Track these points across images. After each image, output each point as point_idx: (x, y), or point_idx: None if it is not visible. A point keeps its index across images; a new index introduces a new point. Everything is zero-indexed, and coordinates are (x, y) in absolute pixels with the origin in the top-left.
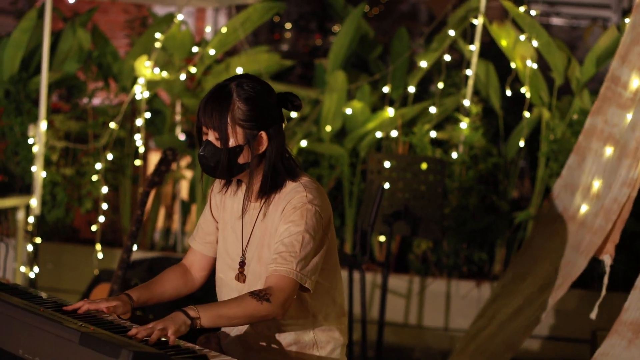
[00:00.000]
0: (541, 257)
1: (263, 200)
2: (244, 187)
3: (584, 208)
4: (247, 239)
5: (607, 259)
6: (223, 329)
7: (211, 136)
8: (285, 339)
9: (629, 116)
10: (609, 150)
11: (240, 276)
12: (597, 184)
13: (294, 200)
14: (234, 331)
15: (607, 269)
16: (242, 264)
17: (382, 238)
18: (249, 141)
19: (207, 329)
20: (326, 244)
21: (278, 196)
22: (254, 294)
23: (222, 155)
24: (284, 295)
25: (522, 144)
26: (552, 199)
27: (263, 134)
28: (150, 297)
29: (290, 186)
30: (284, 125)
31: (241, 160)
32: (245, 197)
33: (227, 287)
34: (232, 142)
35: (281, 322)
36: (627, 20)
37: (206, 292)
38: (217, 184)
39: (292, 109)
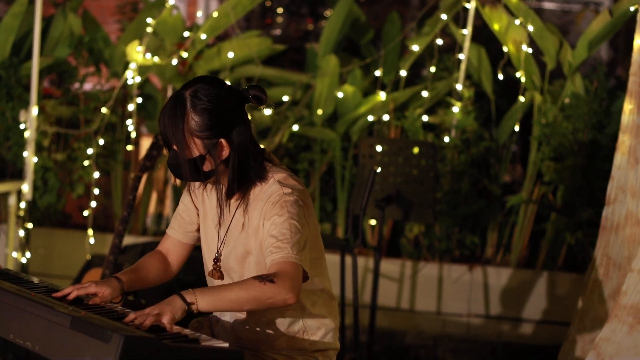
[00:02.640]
0: (616, 268)
1: (237, 200)
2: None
3: None
4: (223, 235)
5: None
6: (214, 315)
7: (174, 146)
8: (275, 327)
9: None
10: None
11: (215, 272)
12: None
13: (272, 197)
14: (226, 315)
15: None
16: (216, 260)
17: (374, 222)
18: (209, 150)
19: (203, 314)
20: (309, 231)
21: (254, 194)
22: (257, 277)
23: (186, 165)
24: (289, 278)
25: (517, 128)
26: (610, 203)
27: (223, 141)
28: (135, 282)
29: (265, 183)
30: (251, 124)
31: (206, 167)
32: (221, 194)
33: (212, 283)
34: (193, 153)
35: (269, 316)
36: (618, 4)
37: (198, 277)
38: None
39: (255, 103)
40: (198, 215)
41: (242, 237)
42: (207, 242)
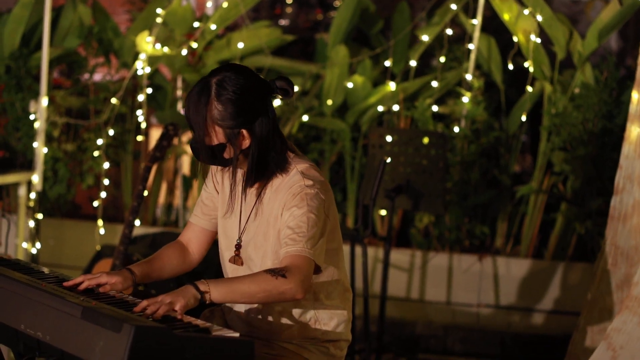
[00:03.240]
0: (624, 258)
1: (258, 189)
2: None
3: None
4: (244, 222)
5: None
6: (226, 304)
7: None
8: (287, 316)
9: None
10: None
11: (237, 259)
12: None
13: (293, 188)
14: (237, 307)
15: None
16: (238, 247)
17: (383, 212)
18: (230, 139)
19: (215, 304)
20: (329, 225)
21: (276, 183)
22: (269, 271)
23: (206, 151)
24: (300, 273)
25: (524, 118)
26: (618, 192)
27: (244, 131)
28: (151, 273)
29: (287, 174)
30: (276, 112)
31: (226, 155)
32: (235, 182)
33: (226, 269)
34: (213, 141)
35: (284, 305)
36: None
37: (207, 267)
38: None
39: (281, 95)
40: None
41: (262, 226)
42: (225, 228)
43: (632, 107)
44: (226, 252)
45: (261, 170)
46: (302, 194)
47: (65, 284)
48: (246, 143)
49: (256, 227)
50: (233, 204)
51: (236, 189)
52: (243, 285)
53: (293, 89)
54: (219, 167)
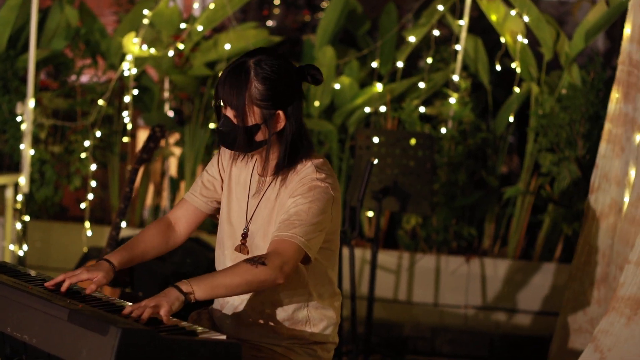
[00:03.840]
0: (599, 256)
1: (275, 177)
2: (254, 158)
3: (627, 199)
4: (252, 212)
5: None
6: (215, 304)
7: (229, 112)
8: (279, 314)
9: None
10: (638, 138)
11: (243, 248)
12: (632, 173)
13: (304, 179)
14: (227, 306)
15: None
16: (244, 236)
17: (371, 214)
18: (266, 120)
19: (203, 303)
20: (330, 223)
21: (291, 175)
22: (248, 260)
23: (239, 133)
24: (281, 259)
25: (511, 119)
26: (593, 191)
27: (280, 113)
28: (131, 259)
29: (303, 166)
30: (303, 102)
31: (259, 137)
32: (254, 169)
33: (225, 258)
34: (249, 121)
35: (276, 296)
36: None
37: (196, 267)
38: (228, 150)
39: (312, 82)
40: (222, 188)
41: (273, 215)
42: (230, 216)
43: (611, 106)
44: (229, 240)
45: (292, 155)
46: (312, 185)
47: (46, 284)
48: (281, 125)
49: (265, 217)
50: (261, 190)
51: (267, 168)
52: (225, 279)
53: (322, 77)
54: (228, 154)
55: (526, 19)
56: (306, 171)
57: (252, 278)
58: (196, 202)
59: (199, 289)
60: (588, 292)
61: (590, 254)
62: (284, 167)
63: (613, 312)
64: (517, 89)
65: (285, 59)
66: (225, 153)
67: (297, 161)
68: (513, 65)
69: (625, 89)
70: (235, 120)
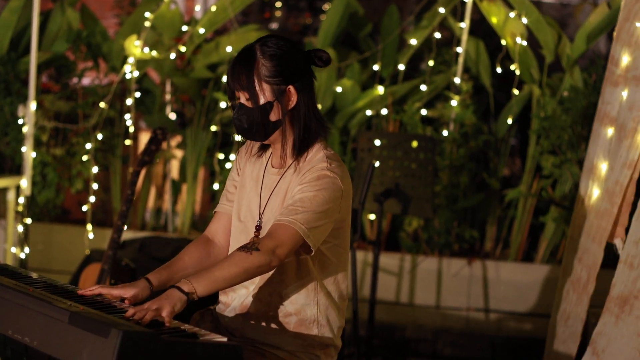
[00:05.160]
0: (569, 249)
1: (287, 169)
2: (268, 153)
3: (596, 192)
4: (264, 204)
5: (618, 243)
6: (220, 303)
7: (242, 98)
8: (286, 307)
9: (624, 94)
10: (610, 131)
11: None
12: (604, 167)
13: (314, 168)
14: (232, 304)
15: (619, 253)
16: (258, 228)
17: (372, 216)
18: (277, 97)
19: (205, 302)
20: (338, 215)
21: (302, 164)
22: (242, 248)
23: (253, 114)
24: (274, 242)
25: (509, 121)
26: (580, 186)
27: (291, 88)
28: (170, 277)
29: (312, 155)
30: (314, 82)
31: (273, 117)
32: (267, 163)
33: None
34: (261, 100)
35: (284, 290)
36: None
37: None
38: (243, 150)
39: (321, 64)
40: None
41: (283, 205)
42: (239, 212)
43: (601, 106)
44: (240, 235)
45: (306, 133)
46: (321, 174)
47: (80, 292)
48: (294, 100)
49: (276, 208)
50: (274, 182)
51: (285, 153)
52: (223, 271)
53: (330, 59)
54: (244, 153)
55: (524, 20)
56: (317, 160)
57: (248, 265)
58: (227, 210)
59: (199, 285)
60: (569, 292)
61: (568, 254)
62: (301, 149)
63: (606, 312)
64: (516, 91)
65: (291, 41)
66: (242, 153)
67: (312, 141)
68: (512, 66)
69: (604, 84)
70: (248, 104)
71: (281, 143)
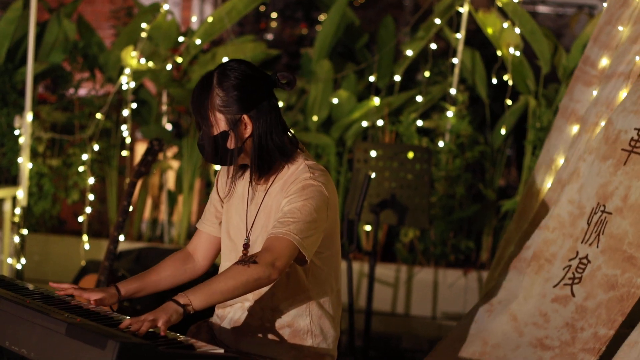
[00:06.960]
0: (511, 241)
1: (269, 183)
2: (249, 169)
3: (549, 184)
4: (251, 222)
5: None
6: (214, 317)
7: (203, 125)
8: (280, 319)
9: (594, 92)
10: (575, 129)
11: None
12: (561, 161)
13: (298, 179)
14: (227, 317)
15: None
16: (245, 247)
17: (368, 227)
18: (231, 127)
19: (201, 315)
20: (326, 224)
21: (284, 178)
22: (239, 262)
23: (212, 142)
24: (272, 255)
25: (503, 131)
26: (530, 179)
27: (245, 117)
28: (141, 288)
29: (295, 168)
30: (279, 104)
31: (230, 145)
32: (251, 180)
33: None
34: (215, 130)
35: (276, 301)
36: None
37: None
38: (224, 169)
39: (285, 87)
40: (222, 206)
41: (270, 220)
42: (229, 230)
43: (569, 103)
44: (232, 253)
45: (265, 159)
46: (306, 184)
47: (51, 284)
48: (248, 130)
49: (263, 224)
50: (259, 198)
51: (254, 175)
52: (220, 284)
53: (295, 80)
54: (224, 172)
55: (517, 30)
56: (300, 171)
57: (246, 278)
58: (206, 228)
59: (195, 298)
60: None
61: (508, 243)
62: (264, 170)
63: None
64: (509, 102)
65: (250, 65)
66: (222, 171)
67: (272, 162)
68: (505, 77)
69: (573, 82)
70: (204, 131)
71: (250, 164)
